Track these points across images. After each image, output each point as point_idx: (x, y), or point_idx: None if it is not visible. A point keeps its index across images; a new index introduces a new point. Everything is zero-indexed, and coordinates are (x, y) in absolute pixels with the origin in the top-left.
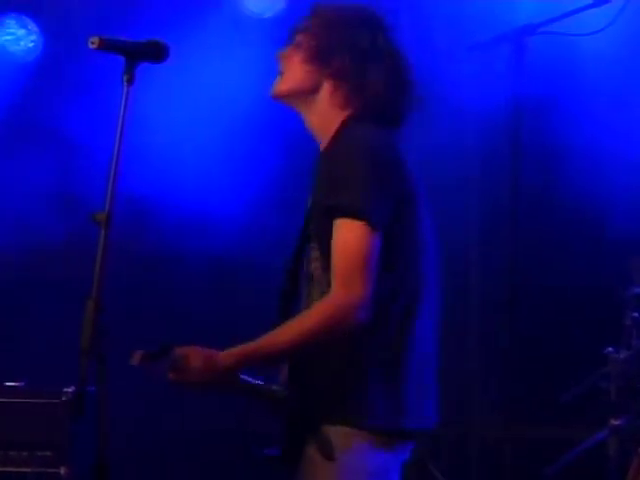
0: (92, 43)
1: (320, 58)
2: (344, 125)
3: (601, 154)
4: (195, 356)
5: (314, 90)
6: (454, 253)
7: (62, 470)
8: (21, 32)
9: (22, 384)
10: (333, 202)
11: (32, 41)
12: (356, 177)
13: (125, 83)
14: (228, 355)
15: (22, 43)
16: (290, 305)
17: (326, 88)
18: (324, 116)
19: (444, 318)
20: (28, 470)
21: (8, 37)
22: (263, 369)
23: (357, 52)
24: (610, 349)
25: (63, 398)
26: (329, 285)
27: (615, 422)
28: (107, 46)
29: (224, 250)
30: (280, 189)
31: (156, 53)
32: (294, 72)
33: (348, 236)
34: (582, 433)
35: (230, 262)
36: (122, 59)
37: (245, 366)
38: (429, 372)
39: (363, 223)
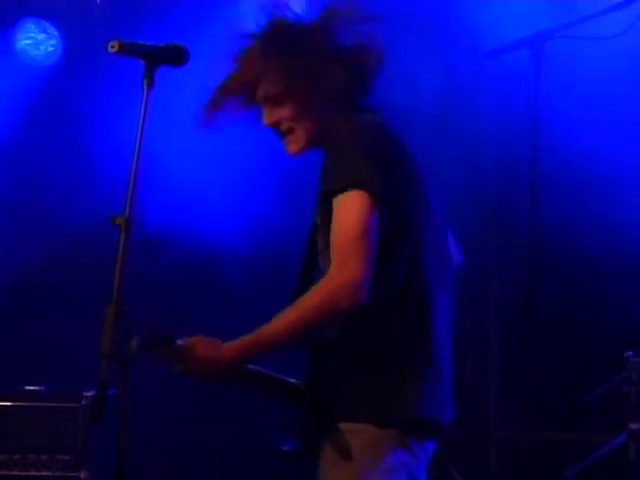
0: (112, 47)
1: (299, 96)
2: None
3: (622, 159)
4: (202, 346)
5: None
6: (472, 257)
7: (82, 474)
8: (41, 36)
9: (42, 388)
10: (329, 184)
11: (52, 45)
12: (351, 156)
13: (145, 87)
14: (231, 349)
15: (42, 47)
16: None
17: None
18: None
19: (464, 322)
20: (48, 474)
21: (28, 41)
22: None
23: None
24: (630, 353)
25: (83, 402)
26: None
27: (634, 426)
28: (127, 50)
29: (245, 257)
30: (292, 195)
31: (176, 57)
32: (299, 128)
33: (347, 209)
34: (601, 436)
35: (252, 271)
36: (142, 63)
37: (250, 357)
38: (444, 370)
39: (363, 193)
